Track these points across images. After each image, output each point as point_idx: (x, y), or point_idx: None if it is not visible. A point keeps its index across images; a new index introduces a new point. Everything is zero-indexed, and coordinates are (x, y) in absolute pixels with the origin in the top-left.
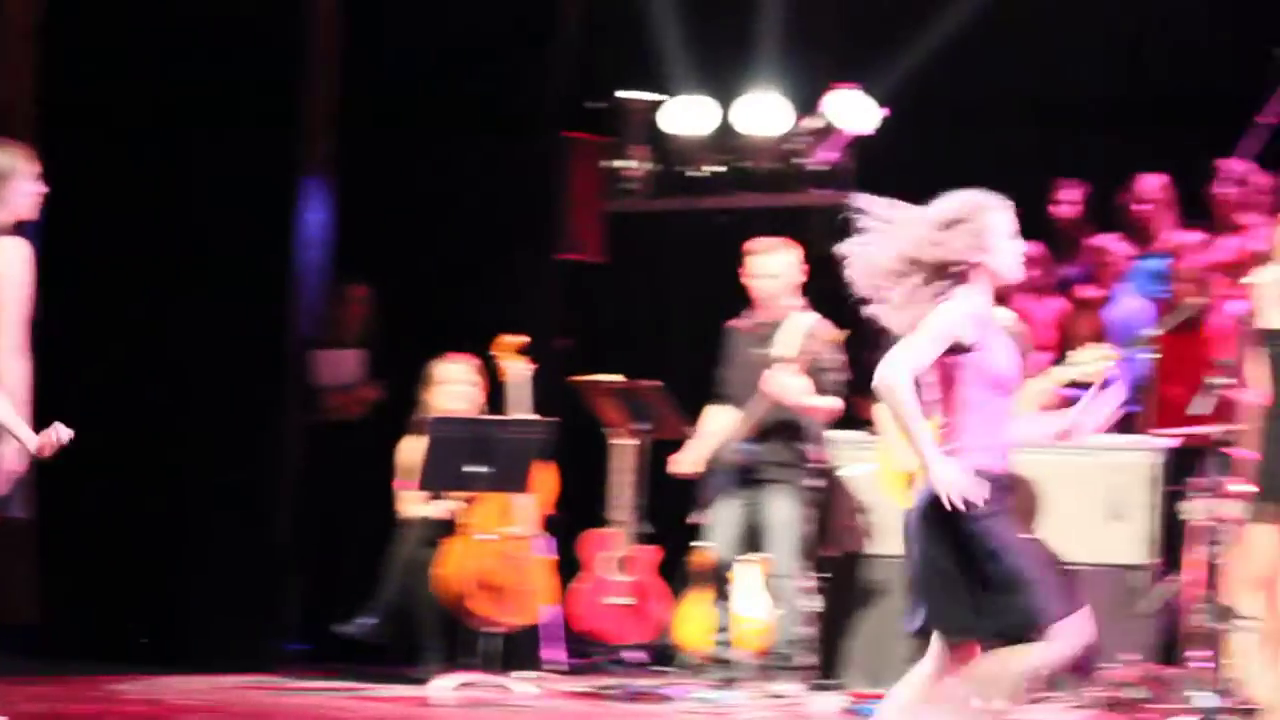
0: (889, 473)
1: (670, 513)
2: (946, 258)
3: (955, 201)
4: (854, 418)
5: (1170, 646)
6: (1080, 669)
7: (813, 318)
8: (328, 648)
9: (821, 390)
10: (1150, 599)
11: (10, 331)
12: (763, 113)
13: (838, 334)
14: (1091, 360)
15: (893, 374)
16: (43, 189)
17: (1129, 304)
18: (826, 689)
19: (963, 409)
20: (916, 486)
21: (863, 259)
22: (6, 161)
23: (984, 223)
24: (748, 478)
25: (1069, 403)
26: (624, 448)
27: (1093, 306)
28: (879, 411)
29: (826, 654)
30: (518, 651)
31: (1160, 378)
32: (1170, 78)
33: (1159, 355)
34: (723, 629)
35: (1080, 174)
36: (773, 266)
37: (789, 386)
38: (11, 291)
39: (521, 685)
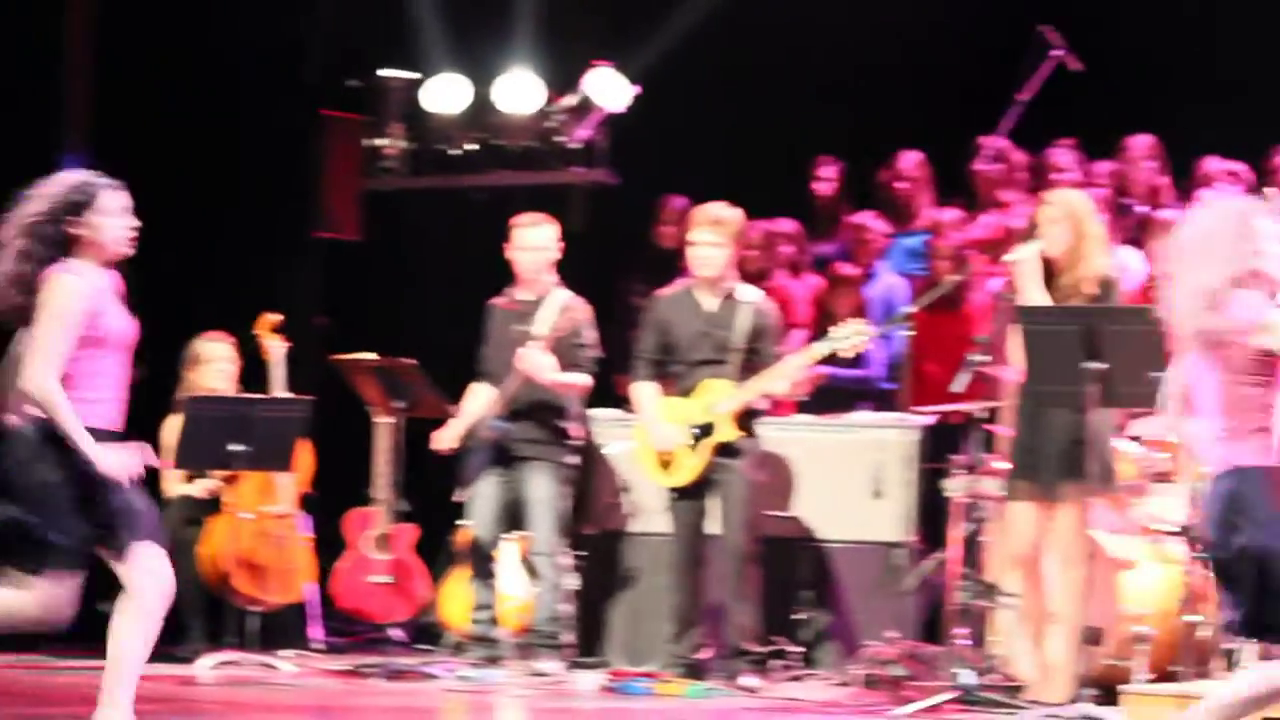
0: (646, 452)
1: (430, 491)
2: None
3: (1219, 211)
4: (614, 396)
5: (932, 624)
6: (844, 646)
7: (568, 294)
8: (93, 626)
9: (575, 367)
10: (911, 576)
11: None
12: (519, 91)
13: (591, 311)
14: (848, 335)
15: None
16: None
17: (888, 281)
18: (587, 667)
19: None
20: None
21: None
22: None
23: (1251, 227)
24: (506, 455)
25: (826, 379)
26: (383, 426)
27: (851, 284)
28: (634, 390)
29: (587, 632)
30: (280, 630)
31: (919, 355)
32: (930, 54)
33: (917, 333)
34: (484, 607)
35: (838, 151)
36: (537, 239)
37: (540, 364)
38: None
39: (284, 663)
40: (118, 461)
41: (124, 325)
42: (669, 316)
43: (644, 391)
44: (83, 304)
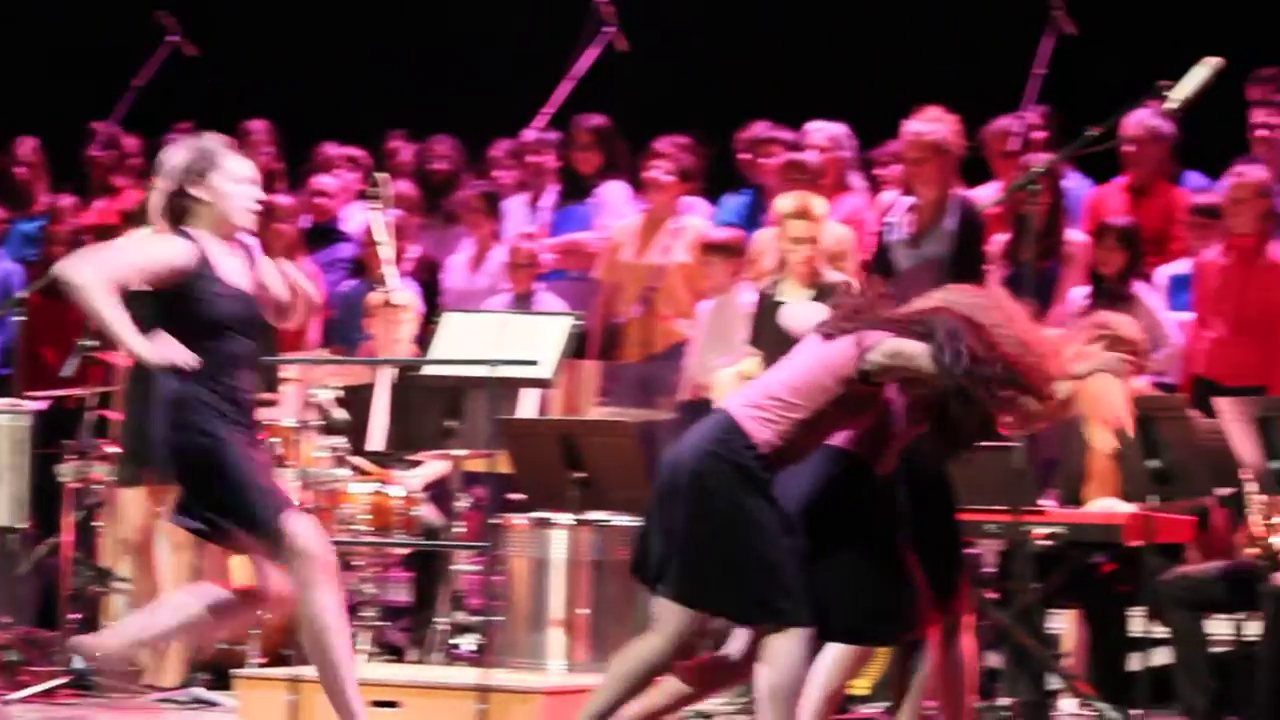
0: None
1: None
2: None
3: None
4: None
5: (47, 609)
6: None
7: None
8: None
9: None
10: (25, 562)
11: None
12: None
13: None
14: None
15: None
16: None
17: (3, 266)
18: None
19: None
20: None
21: None
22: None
23: None
24: None
25: None
26: None
27: None
28: None
29: None
30: None
31: (33, 340)
32: (58, 39)
33: (31, 318)
34: None
35: None
36: None
37: None
38: None
39: None
40: None
41: None
42: None
43: None
44: None
